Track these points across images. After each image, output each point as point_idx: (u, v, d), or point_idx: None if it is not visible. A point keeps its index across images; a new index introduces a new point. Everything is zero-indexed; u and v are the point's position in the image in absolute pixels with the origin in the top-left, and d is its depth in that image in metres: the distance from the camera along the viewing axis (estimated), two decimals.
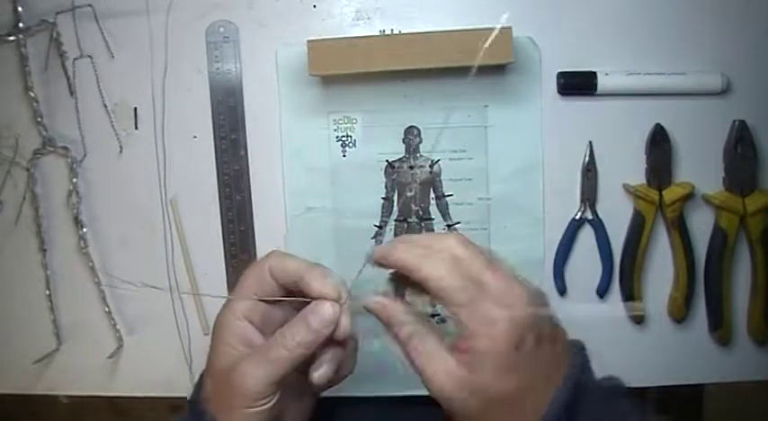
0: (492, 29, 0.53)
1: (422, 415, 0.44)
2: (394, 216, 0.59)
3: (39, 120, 0.58)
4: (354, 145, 0.58)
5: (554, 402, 0.36)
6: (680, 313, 0.58)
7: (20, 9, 0.57)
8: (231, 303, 0.42)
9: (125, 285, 0.56)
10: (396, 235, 0.59)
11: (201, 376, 0.43)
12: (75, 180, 0.59)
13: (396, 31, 0.57)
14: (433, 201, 0.59)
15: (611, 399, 0.38)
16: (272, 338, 0.40)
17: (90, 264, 0.59)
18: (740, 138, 0.56)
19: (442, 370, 0.37)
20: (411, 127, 0.58)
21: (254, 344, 0.41)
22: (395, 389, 0.58)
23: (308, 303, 0.40)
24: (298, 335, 0.39)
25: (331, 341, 0.40)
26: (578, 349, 0.39)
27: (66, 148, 0.59)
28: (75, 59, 0.58)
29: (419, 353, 0.38)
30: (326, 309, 0.39)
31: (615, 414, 0.38)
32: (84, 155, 0.59)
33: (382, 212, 0.59)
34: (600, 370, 0.58)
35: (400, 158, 0.58)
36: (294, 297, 0.41)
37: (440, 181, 0.58)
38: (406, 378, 0.39)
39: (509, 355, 0.36)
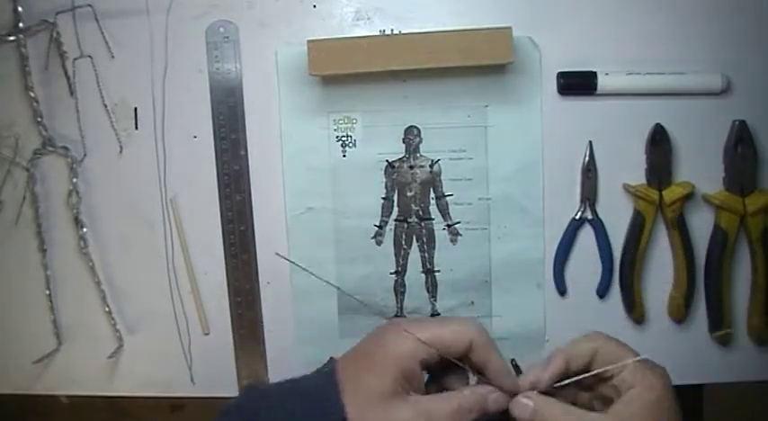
0: (492, 29, 0.53)
1: None
2: (394, 216, 0.59)
3: (39, 120, 0.58)
4: (354, 145, 0.58)
5: None
6: (680, 313, 0.58)
7: (20, 9, 0.57)
8: (415, 342, 0.41)
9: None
10: (396, 235, 0.59)
11: (332, 372, 0.42)
12: (75, 180, 0.59)
13: (396, 31, 0.57)
14: (432, 201, 0.59)
15: None
16: (447, 401, 0.41)
17: (90, 264, 0.59)
18: (740, 138, 0.56)
19: None
20: (411, 127, 0.58)
21: (414, 388, 0.41)
22: None
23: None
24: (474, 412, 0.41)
25: None
26: None
27: (66, 148, 0.59)
28: (75, 59, 0.58)
29: None
30: (525, 406, 0.41)
31: None
32: (84, 155, 0.59)
33: (382, 212, 0.59)
34: None
35: (400, 158, 0.58)
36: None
37: (440, 181, 0.58)
38: None
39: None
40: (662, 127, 0.56)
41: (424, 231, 0.59)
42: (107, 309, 0.59)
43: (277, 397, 0.42)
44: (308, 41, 0.53)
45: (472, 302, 0.59)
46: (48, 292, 0.60)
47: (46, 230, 0.60)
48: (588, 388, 0.43)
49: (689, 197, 0.56)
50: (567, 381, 0.41)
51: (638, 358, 0.40)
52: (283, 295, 0.60)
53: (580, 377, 0.41)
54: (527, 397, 0.41)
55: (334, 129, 0.58)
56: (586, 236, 0.58)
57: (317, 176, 0.59)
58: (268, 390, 0.44)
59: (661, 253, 0.58)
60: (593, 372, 0.41)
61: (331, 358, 0.58)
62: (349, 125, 0.58)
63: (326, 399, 0.40)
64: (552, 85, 0.57)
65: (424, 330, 0.41)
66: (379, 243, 0.59)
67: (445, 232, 0.59)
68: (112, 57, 0.58)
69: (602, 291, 0.58)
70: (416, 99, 0.57)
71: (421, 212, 0.59)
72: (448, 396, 0.41)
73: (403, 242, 0.59)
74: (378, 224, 0.59)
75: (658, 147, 0.56)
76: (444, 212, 0.59)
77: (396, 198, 0.59)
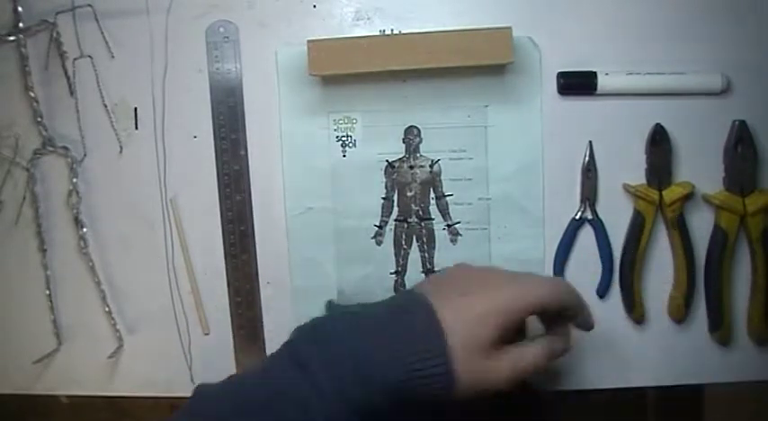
0: (492, 29, 0.53)
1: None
2: (394, 216, 0.59)
3: (39, 120, 0.58)
4: (354, 145, 0.58)
5: None
6: (680, 313, 0.58)
7: (20, 9, 0.57)
8: (525, 297, 0.43)
9: None
10: (396, 235, 0.59)
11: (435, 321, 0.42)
12: (75, 180, 0.59)
13: (396, 31, 0.57)
14: (432, 201, 0.59)
15: None
16: (528, 348, 0.44)
17: (90, 264, 0.59)
18: (740, 138, 0.56)
19: None
20: (411, 127, 0.58)
21: (506, 339, 0.43)
22: None
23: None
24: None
25: None
26: None
27: (66, 148, 0.59)
28: (75, 59, 0.58)
29: None
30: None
31: None
32: (84, 155, 0.59)
33: (382, 212, 0.59)
34: (600, 369, 0.58)
35: (400, 158, 0.58)
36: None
37: (440, 181, 0.58)
38: None
39: None
40: (662, 127, 0.56)
41: (424, 231, 0.59)
42: (107, 309, 0.59)
43: (375, 327, 0.42)
44: (308, 41, 0.53)
45: None
46: (48, 292, 0.60)
47: (46, 230, 0.60)
48: None
49: (689, 197, 0.56)
50: None
51: None
52: (283, 295, 0.60)
53: None
54: None
55: (334, 129, 0.58)
56: (586, 236, 0.58)
57: (316, 176, 0.59)
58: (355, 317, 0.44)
59: (661, 253, 0.58)
60: None
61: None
62: (349, 125, 0.58)
63: (431, 347, 0.40)
64: (552, 85, 0.57)
65: (536, 290, 0.43)
66: (379, 243, 0.59)
67: (445, 232, 0.59)
68: (112, 57, 0.58)
69: (602, 291, 0.58)
70: (416, 99, 0.57)
71: (421, 212, 0.59)
72: (527, 345, 0.44)
73: (403, 242, 0.59)
74: (378, 224, 0.59)
75: (658, 147, 0.56)
76: (444, 212, 0.59)
77: (396, 198, 0.59)
